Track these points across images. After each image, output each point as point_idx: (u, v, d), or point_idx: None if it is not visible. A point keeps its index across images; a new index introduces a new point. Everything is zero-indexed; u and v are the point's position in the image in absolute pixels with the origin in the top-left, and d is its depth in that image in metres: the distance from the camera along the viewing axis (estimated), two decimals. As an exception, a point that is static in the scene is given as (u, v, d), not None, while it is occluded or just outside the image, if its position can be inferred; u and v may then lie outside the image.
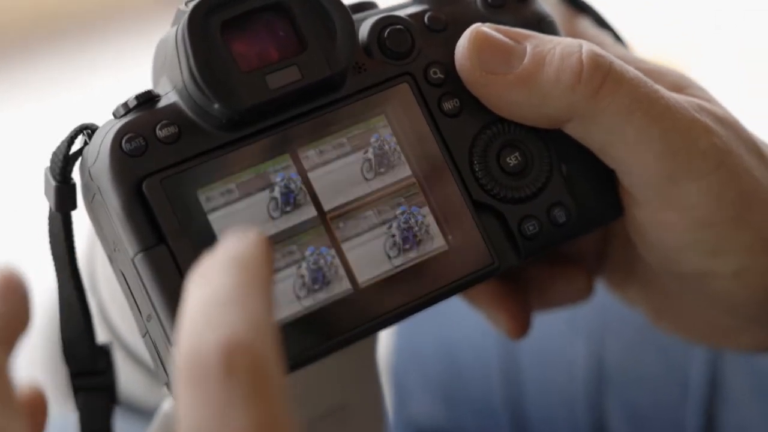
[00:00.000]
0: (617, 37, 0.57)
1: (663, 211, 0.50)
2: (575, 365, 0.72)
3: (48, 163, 0.49)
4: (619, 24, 0.58)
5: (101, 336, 0.61)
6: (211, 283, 0.38)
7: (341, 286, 0.48)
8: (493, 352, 0.75)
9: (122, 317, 0.60)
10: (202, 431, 0.35)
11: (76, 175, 0.49)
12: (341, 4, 0.49)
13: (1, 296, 0.40)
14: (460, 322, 0.76)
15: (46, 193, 0.50)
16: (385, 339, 0.77)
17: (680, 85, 0.52)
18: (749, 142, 0.51)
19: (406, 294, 0.49)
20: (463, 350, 0.76)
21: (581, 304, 0.59)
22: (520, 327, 0.57)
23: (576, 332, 0.72)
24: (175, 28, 0.48)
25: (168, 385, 0.47)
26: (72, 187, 0.49)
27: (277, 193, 0.48)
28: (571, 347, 0.73)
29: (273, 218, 0.48)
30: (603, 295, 0.61)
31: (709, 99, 0.52)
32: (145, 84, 0.51)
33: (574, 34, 0.55)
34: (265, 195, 0.48)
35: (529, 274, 0.58)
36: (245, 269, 0.38)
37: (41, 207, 0.50)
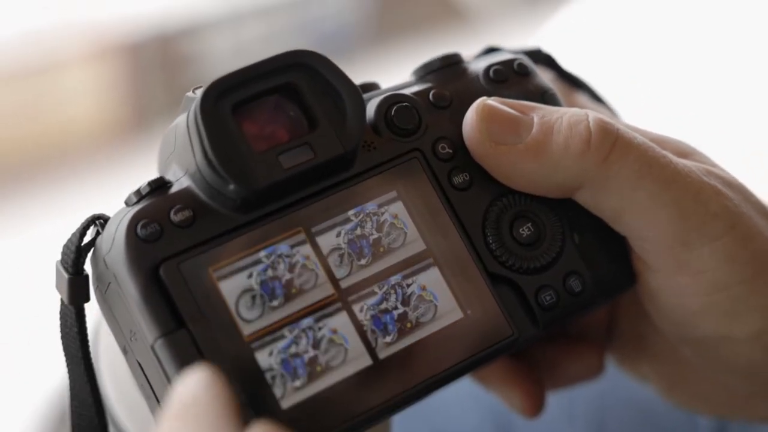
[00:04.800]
0: (612, 111, 0.58)
1: (677, 276, 0.51)
2: None
3: (59, 256, 0.49)
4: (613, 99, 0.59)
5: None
6: None
7: (361, 362, 0.48)
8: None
9: (128, 414, 0.58)
10: None
11: (87, 267, 0.49)
12: (350, 81, 0.49)
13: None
14: (455, 412, 0.76)
15: (58, 287, 0.49)
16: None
17: (684, 151, 0.53)
18: (758, 205, 0.52)
19: (428, 368, 0.48)
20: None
21: (593, 381, 0.59)
22: (535, 405, 0.57)
23: (574, 417, 0.72)
24: (184, 115, 0.48)
25: None
26: (85, 279, 0.48)
27: (294, 272, 0.48)
28: None
29: (288, 298, 0.47)
30: (602, 378, 0.60)
31: (714, 164, 0.53)
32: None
33: None
34: (281, 272, 0.48)
35: (540, 353, 0.58)
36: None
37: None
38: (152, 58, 2.66)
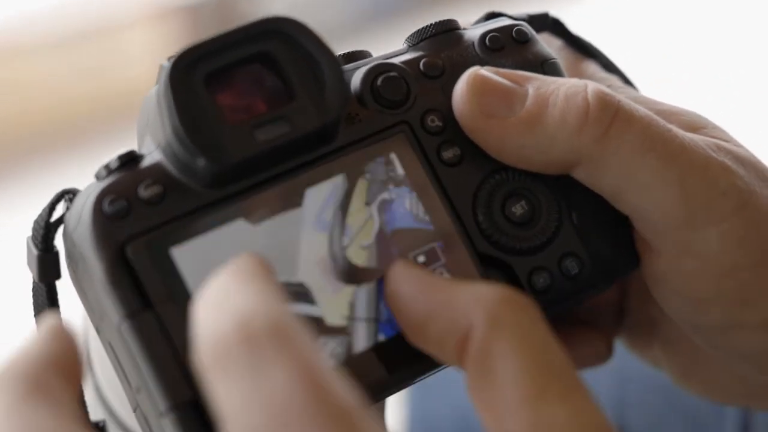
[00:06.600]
0: (626, 81, 0.55)
1: (682, 259, 0.47)
2: None
3: (30, 232, 0.47)
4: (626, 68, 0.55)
5: (97, 414, 0.58)
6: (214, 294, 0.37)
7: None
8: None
9: (116, 394, 0.56)
10: (246, 407, 0.34)
11: (59, 243, 0.47)
12: (330, 51, 0.46)
13: (57, 337, 0.39)
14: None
15: (29, 264, 0.47)
16: (398, 409, 0.73)
17: (696, 124, 0.49)
18: None
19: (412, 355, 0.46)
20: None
21: (600, 367, 0.56)
22: None
23: (596, 394, 0.69)
24: (157, 86, 0.46)
25: None
26: (55, 256, 0.46)
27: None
28: None
29: None
30: (621, 360, 0.57)
31: (728, 139, 0.49)
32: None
33: (581, 78, 0.52)
34: None
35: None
36: (241, 266, 0.38)
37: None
38: (210, 19, 2.66)
